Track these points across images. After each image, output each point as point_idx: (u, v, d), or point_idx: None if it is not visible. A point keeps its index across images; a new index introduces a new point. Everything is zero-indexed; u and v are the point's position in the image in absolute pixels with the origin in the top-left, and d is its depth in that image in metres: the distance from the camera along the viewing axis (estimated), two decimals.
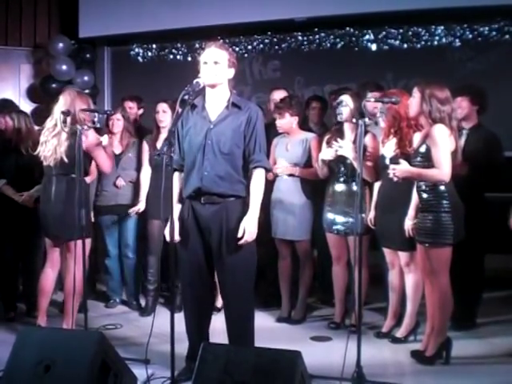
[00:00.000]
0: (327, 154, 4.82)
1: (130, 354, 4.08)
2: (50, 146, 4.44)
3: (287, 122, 5.06)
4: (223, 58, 3.71)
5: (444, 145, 3.95)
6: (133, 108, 6.00)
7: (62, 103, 4.46)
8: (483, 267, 4.94)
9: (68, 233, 4.38)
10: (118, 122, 5.58)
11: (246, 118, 3.74)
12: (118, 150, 5.60)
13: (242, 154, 3.76)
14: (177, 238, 3.74)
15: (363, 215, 4.62)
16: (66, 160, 4.40)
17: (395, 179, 4.13)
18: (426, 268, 4.17)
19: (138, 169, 5.58)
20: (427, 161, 4.01)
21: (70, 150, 4.37)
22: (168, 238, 3.69)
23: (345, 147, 4.69)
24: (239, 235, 3.64)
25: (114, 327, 5.00)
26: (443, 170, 3.95)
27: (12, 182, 5.06)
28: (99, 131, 4.87)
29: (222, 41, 3.94)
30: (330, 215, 4.93)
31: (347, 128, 4.86)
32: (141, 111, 6.14)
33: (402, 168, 4.06)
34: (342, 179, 4.86)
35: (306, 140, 5.09)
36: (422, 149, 4.05)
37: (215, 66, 3.69)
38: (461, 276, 4.48)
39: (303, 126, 5.24)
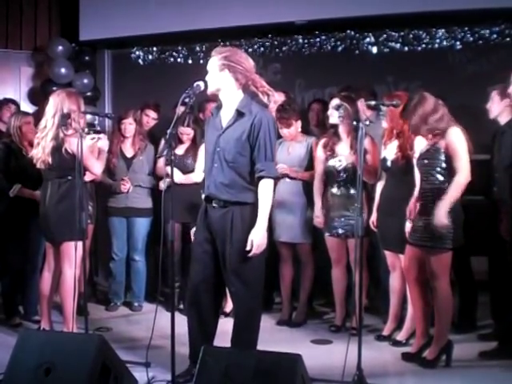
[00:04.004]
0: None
1: (131, 357, 4.09)
2: (40, 148, 4.46)
3: (294, 129, 5.06)
4: (213, 65, 3.70)
5: (462, 148, 3.97)
6: (155, 118, 6.00)
7: (51, 104, 4.48)
8: (471, 269, 4.94)
9: (60, 234, 4.45)
10: (129, 126, 5.59)
11: (249, 126, 3.66)
12: (129, 154, 5.63)
13: (250, 161, 3.71)
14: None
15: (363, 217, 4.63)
16: (50, 162, 4.42)
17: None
18: (410, 271, 4.22)
19: (150, 173, 5.64)
20: (434, 161, 4.03)
21: (54, 152, 4.41)
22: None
23: (344, 159, 4.73)
24: (247, 248, 3.61)
25: (105, 330, 5.00)
26: (462, 173, 3.95)
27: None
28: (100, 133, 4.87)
29: (221, 44, 3.89)
30: (329, 218, 4.93)
31: (342, 131, 4.87)
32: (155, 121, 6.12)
33: (443, 218, 3.97)
34: (340, 182, 4.86)
35: (307, 143, 5.10)
36: (431, 151, 4.06)
37: (208, 76, 3.71)
38: (458, 279, 4.51)
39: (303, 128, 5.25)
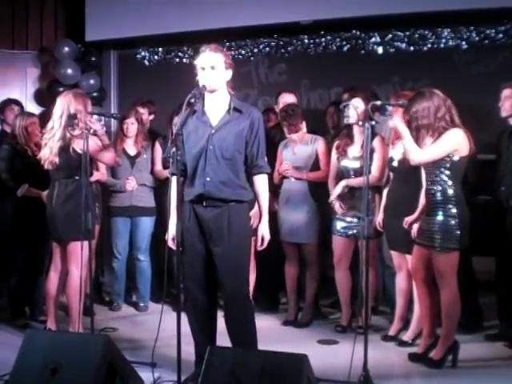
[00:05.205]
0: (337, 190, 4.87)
1: (137, 358, 4.09)
2: (48, 148, 4.47)
3: (301, 131, 5.07)
4: (219, 62, 3.70)
5: (443, 144, 3.96)
6: (144, 114, 6.00)
7: (58, 106, 4.50)
8: (473, 269, 4.92)
9: (66, 234, 4.47)
10: (131, 126, 5.61)
11: (249, 123, 3.72)
12: (132, 152, 5.64)
13: (244, 159, 3.76)
14: (170, 242, 3.76)
15: (372, 218, 4.62)
16: (57, 162, 4.44)
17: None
18: (418, 271, 4.22)
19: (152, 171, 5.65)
20: (438, 161, 4.01)
21: (61, 153, 4.43)
22: (169, 243, 3.76)
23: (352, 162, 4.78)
24: (259, 243, 3.75)
25: (111, 330, 5.00)
26: (422, 151, 3.98)
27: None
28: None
29: (216, 43, 3.89)
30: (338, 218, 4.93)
31: (356, 132, 4.85)
32: (151, 117, 6.13)
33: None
34: None
35: (312, 143, 5.10)
36: None
37: (213, 72, 3.69)
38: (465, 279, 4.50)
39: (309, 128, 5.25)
